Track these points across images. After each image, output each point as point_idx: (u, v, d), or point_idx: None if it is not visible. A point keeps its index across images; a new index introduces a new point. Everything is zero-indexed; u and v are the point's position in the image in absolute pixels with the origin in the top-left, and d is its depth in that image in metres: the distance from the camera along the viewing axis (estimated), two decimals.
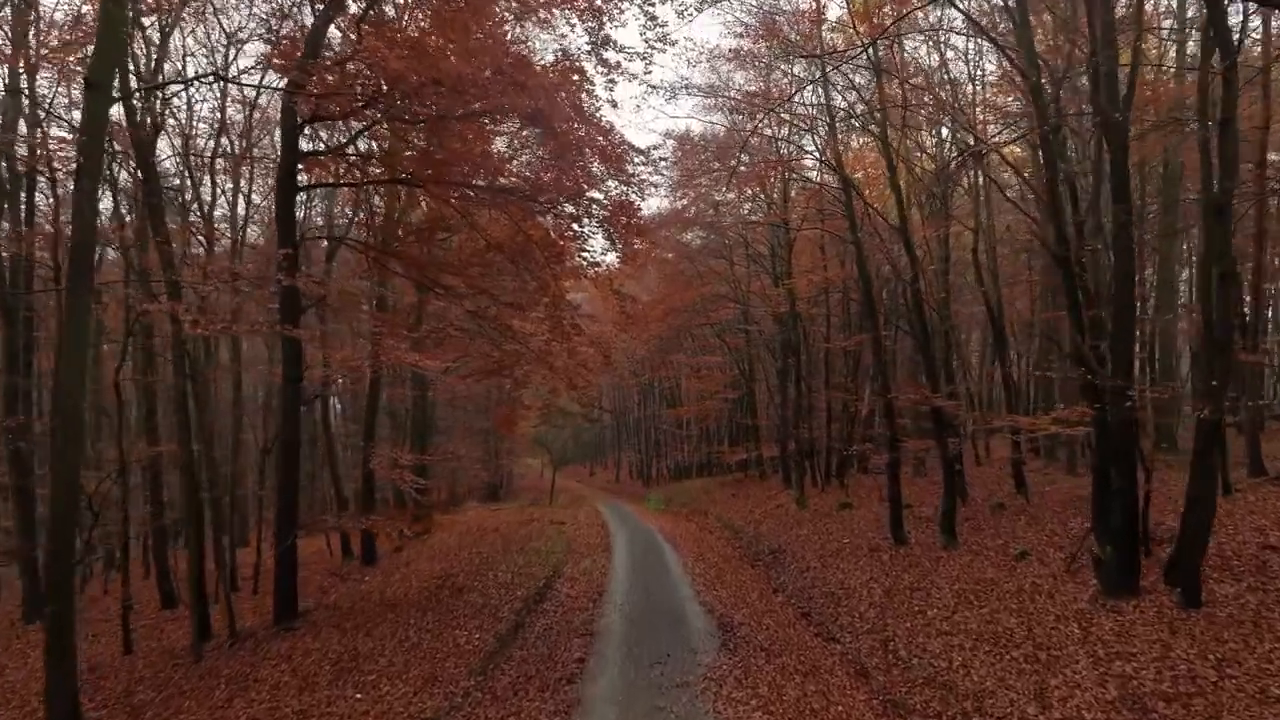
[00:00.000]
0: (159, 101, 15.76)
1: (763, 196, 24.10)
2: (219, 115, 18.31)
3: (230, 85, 15.42)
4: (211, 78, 11.27)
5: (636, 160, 11.97)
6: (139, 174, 12.14)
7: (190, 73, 15.52)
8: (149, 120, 13.30)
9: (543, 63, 11.56)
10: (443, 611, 12.08)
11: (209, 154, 18.26)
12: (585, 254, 13.18)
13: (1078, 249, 9.09)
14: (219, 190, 17.69)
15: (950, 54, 17.15)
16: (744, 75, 17.64)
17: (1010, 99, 18.11)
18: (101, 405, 19.88)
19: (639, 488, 50.11)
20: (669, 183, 26.59)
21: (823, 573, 15.02)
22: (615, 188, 11.91)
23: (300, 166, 12.17)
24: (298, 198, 14.22)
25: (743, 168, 23.72)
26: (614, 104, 11.68)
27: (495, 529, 24.85)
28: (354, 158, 12.45)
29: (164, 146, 16.89)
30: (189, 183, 18.16)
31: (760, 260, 28.41)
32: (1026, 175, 14.92)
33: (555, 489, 42.17)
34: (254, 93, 14.28)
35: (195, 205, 18.74)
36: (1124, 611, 8.61)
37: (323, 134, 13.58)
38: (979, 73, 17.40)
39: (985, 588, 11.14)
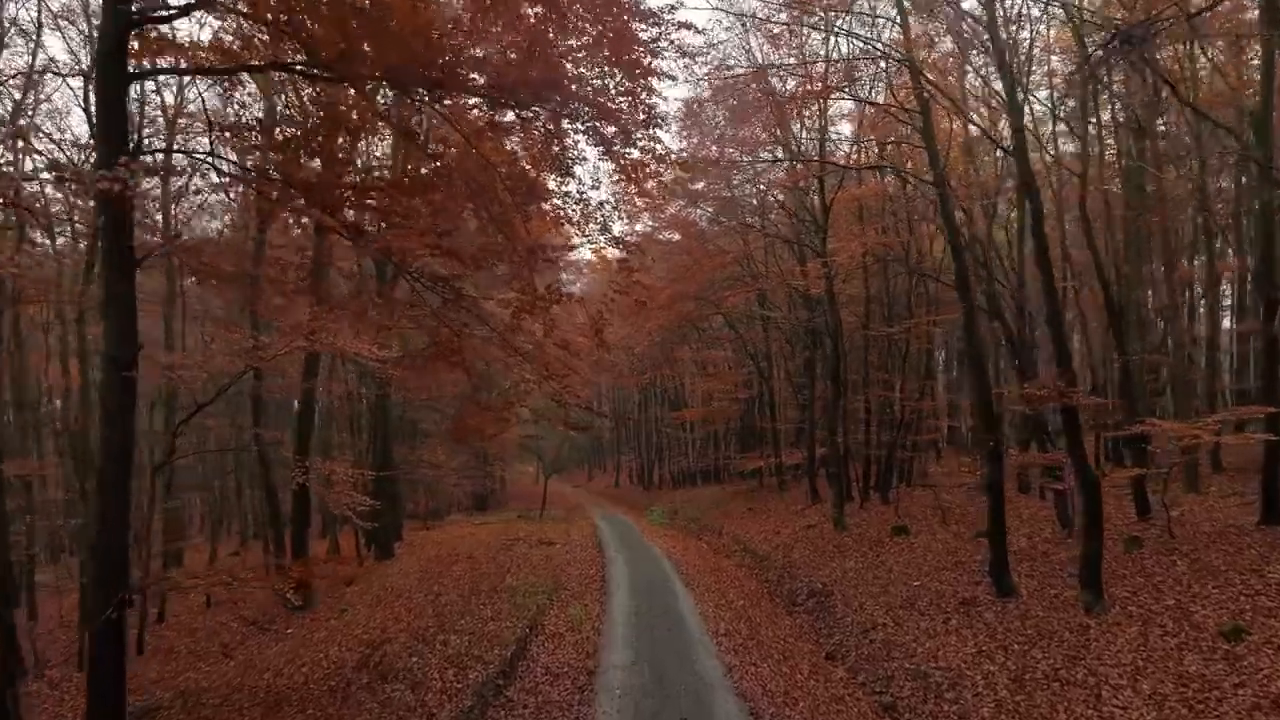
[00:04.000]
0: None
1: (791, 139, 19.65)
2: None
3: None
4: None
5: (644, 31, 7.82)
6: None
7: None
8: None
9: None
10: None
11: None
12: (570, 182, 9.03)
13: None
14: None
15: None
16: None
17: None
18: None
19: (639, 495, 46.00)
20: (677, 143, 22.48)
21: (897, 635, 10.90)
22: (612, 74, 7.80)
23: (134, 43, 8.08)
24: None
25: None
26: None
27: (469, 554, 20.68)
28: (222, 32, 8.36)
29: None
30: None
31: (780, 236, 24.31)
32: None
33: (548, 498, 37.95)
34: None
35: None
36: None
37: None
38: None
39: (1201, 693, 7.01)
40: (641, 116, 7.68)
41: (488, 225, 10.00)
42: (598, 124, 7.84)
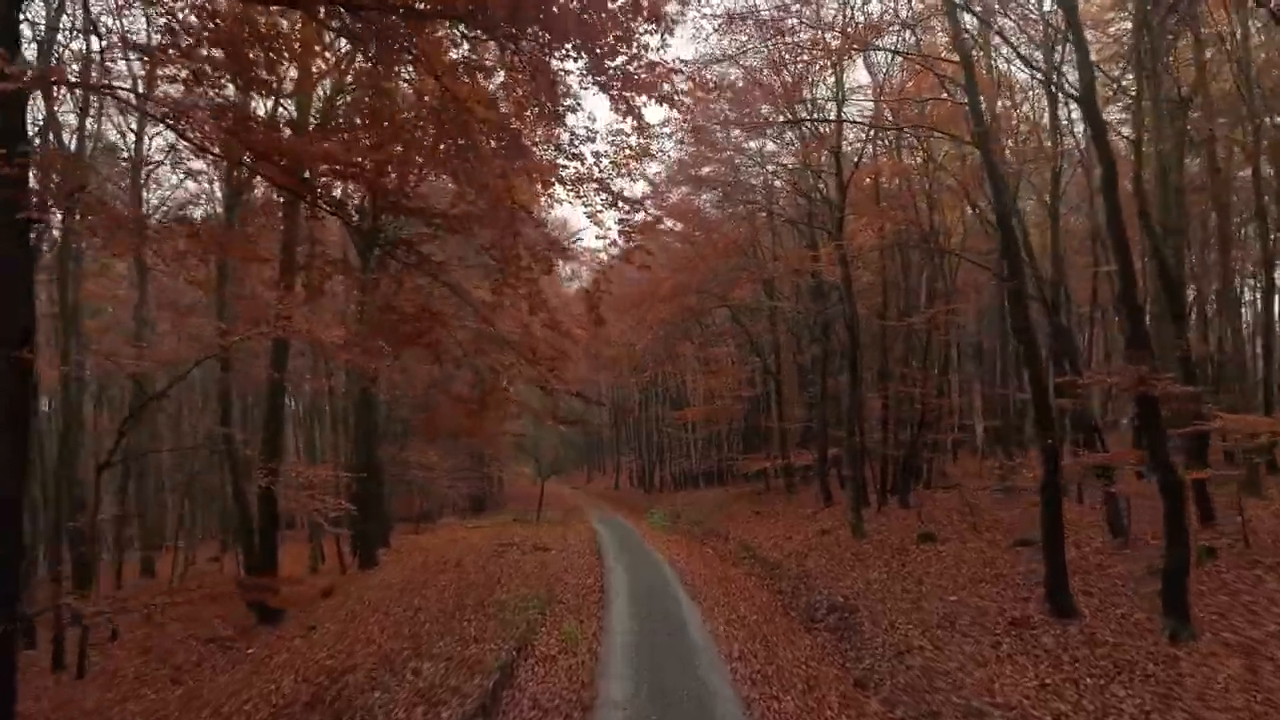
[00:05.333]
0: None
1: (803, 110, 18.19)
2: None
3: None
4: None
5: None
6: None
7: None
8: None
9: None
10: None
11: None
12: (562, 133, 7.62)
13: None
14: None
15: None
16: None
17: None
18: None
19: (640, 497, 44.60)
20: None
21: (938, 660, 9.45)
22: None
23: None
24: None
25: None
26: None
27: (458, 561, 19.24)
28: None
29: None
30: None
31: (790, 219, 22.92)
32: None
33: (545, 500, 36.47)
34: None
35: None
36: None
37: None
38: None
39: None
40: (645, 26, 6.23)
41: (465, 186, 8.59)
42: (589, 45, 6.39)
